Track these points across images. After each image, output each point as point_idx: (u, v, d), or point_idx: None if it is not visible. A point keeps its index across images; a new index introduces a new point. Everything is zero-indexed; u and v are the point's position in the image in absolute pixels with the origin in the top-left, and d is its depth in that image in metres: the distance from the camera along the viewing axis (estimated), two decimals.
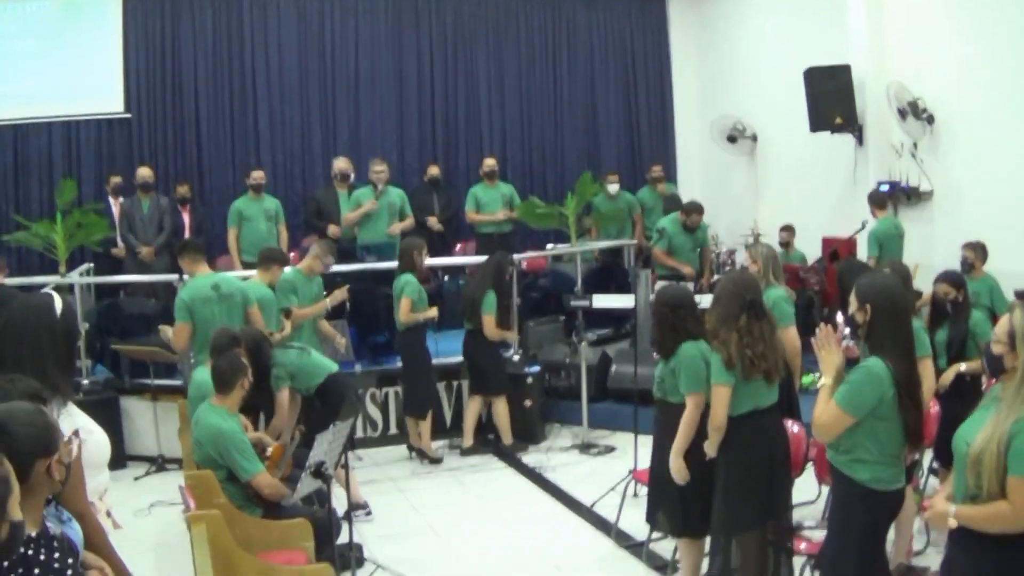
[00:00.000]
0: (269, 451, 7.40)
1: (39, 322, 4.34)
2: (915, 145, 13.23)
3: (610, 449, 11.09)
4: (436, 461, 10.93)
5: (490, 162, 14.94)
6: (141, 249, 13.48)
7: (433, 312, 10.98)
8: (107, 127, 15.56)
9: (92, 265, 13.69)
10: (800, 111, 14.15)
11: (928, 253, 12.49)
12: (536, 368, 11.90)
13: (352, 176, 14.11)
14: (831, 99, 13.62)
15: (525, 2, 17.20)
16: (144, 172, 14.05)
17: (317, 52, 16.30)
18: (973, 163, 12.47)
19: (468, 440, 11.22)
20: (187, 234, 13.87)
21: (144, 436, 11.28)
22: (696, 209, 13.65)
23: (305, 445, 7.39)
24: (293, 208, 15.69)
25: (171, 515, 9.13)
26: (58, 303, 4.33)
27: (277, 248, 11.61)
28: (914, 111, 12.98)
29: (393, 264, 11.40)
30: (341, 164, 14.11)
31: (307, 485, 6.67)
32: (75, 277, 12.67)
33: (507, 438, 11.21)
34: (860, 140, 13.84)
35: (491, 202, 14.73)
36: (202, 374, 8.03)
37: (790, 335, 8.00)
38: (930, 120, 12.98)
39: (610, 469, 10.04)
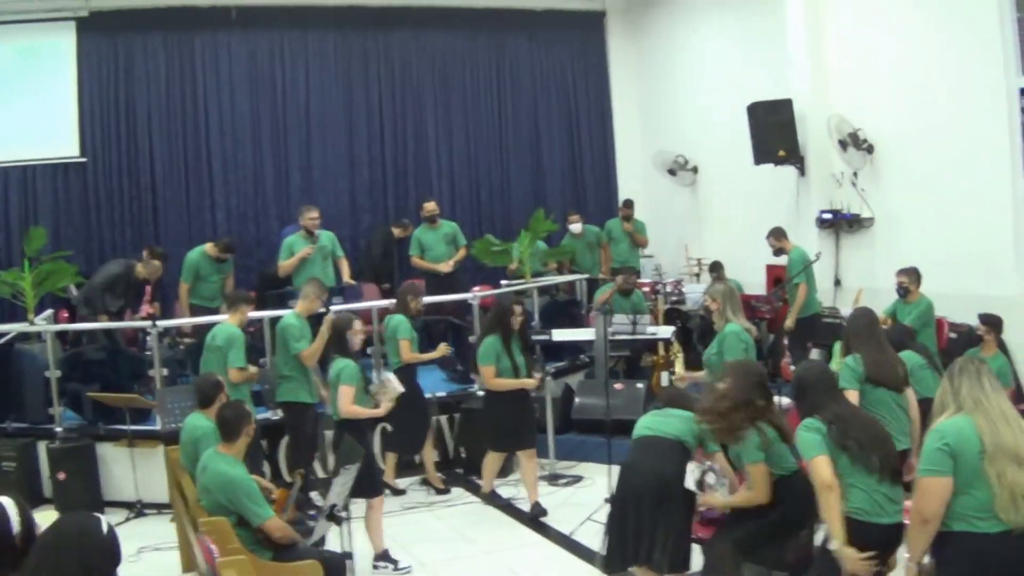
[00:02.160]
0: (274, 495, 7.62)
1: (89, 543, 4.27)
2: (855, 174, 13.51)
3: (578, 479, 11.19)
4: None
5: (429, 206, 15.05)
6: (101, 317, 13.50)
7: (442, 350, 11.27)
8: (63, 172, 15.58)
9: (52, 311, 13.70)
10: (742, 143, 14.41)
11: (870, 278, 12.78)
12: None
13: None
14: (774, 132, 13.85)
15: (470, 43, 17.41)
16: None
17: (268, 95, 16.44)
18: (911, 191, 12.75)
19: (488, 486, 10.63)
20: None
21: (120, 482, 11.17)
22: (631, 271, 14.21)
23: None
24: (247, 250, 15.89)
25: (162, 560, 9.09)
26: (104, 524, 4.29)
27: (243, 291, 11.73)
28: (854, 142, 13.26)
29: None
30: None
31: (322, 527, 6.91)
32: (43, 325, 12.62)
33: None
34: (802, 171, 14.09)
35: (435, 244, 14.85)
36: (195, 419, 8.17)
37: None
38: (870, 150, 13.26)
39: (580, 499, 10.29)
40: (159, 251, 13.54)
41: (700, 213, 16.87)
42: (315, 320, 10.59)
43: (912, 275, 10.94)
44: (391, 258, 15.58)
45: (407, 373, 10.77)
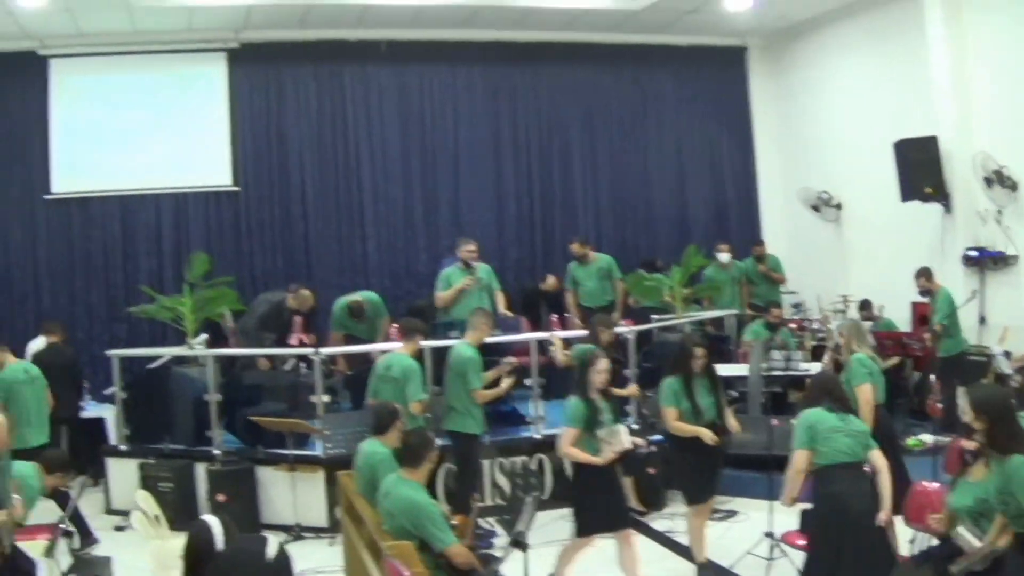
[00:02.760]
0: (454, 522, 7.58)
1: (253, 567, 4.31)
2: (999, 212, 13.35)
3: (732, 513, 10.95)
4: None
5: (574, 247, 14.88)
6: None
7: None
8: (215, 200, 15.74)
9: (207, 336, 13.80)
10: (886, 180, 14.28)
11: (1015, 316, 12.52)
12: (660, 437, 11.96)
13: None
14: (920, 169, 13.71)
15: (615, 78, 17.35)
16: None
17: (418, 128, 16.51)
18: None
19: (701, 554, 9.34)
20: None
21: (278, 505, 11.21)
22: (778, 306, 14.27)
23: None
24: (396, 280, 16.12)
25: None
26: (271, 547, 4.32)
27: (418, 320, 11.65)
28: (999, 179, 13.14)
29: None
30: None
31: (505, 554, 6.88)
32: (203, 349, 12.67)
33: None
34: (947, 208, 13.91)
35: (586, 279, 14.69)
36: (372, 446, 8.19)
37: (861, 391, 8.80)
38: (1014, 187, 13.13)
39: (737, 533, 10.11)
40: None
41: (843, 250, 16.59)
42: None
43: None
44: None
45: None
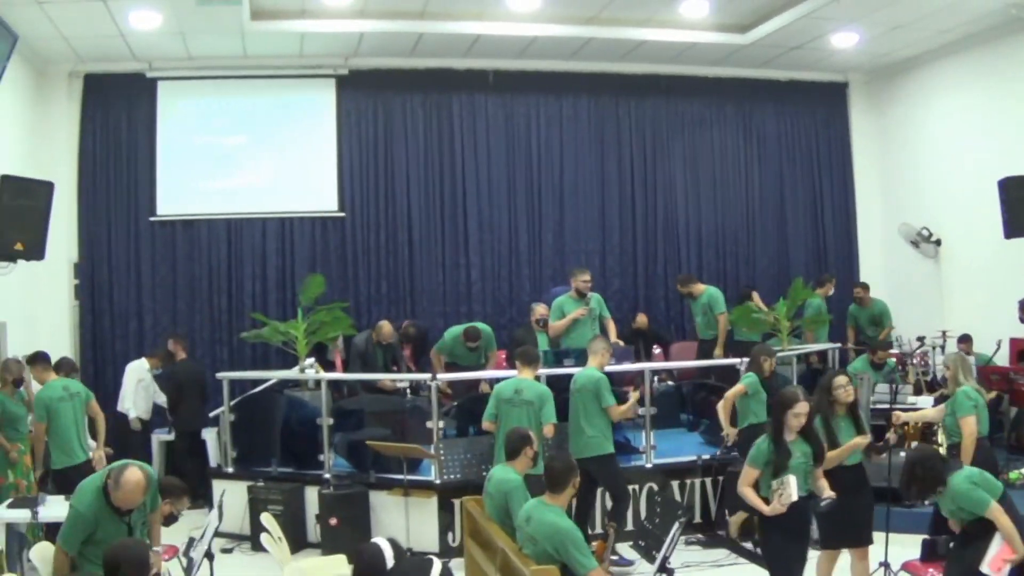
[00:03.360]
0: (592, 546, 7.49)
1: None
2: None
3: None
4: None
5: (679, 288, 14.95)
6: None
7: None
8: (320, 225, 15.69)
9: (314, 359, 13.71)
10: (987, 217, 14.17)
11: None
12: None
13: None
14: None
15: (718, 111, 17.29)
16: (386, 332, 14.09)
17: (524, 158, 16.47)
18: None
19: None
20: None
21: (390, 530, 11.00)
22: (887, 345, 14.09)
23: None
24: (499, 309, 16.11)
25: None
26: (435, 570, 4.41)
27: (535, 349, 11.58)
28: None
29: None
30: (541, 310, 13.97)
31: None
32: (314, 373, 12.78)
33: None
34: None
35: (696, 312, 14.65)
36: (502, 472, 8.26)
37: (966, 423, 8.82)
38: None
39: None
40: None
41: (941, 285, 16.44)
42: None
43: None
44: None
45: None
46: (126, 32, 13.67)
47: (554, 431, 10.13)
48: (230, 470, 12.32)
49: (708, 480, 11.78)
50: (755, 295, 15.67)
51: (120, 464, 6.92)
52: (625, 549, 10.20)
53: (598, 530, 10.85)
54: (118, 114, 15.25)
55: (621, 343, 13.78)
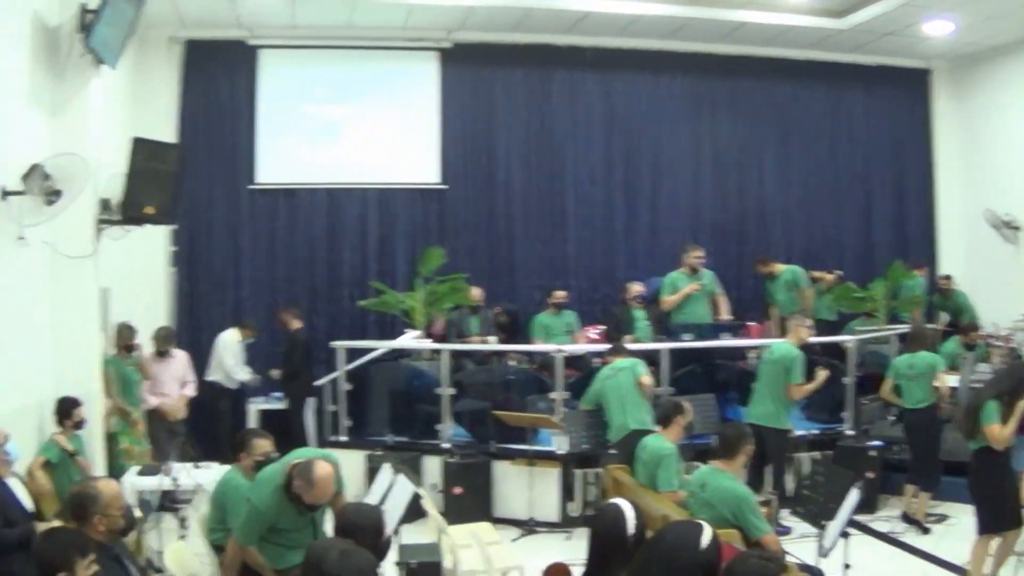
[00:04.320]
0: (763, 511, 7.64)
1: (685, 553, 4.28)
2: None
3: (944, 517, 11.14)
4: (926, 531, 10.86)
5: (758, 268, 15.31)
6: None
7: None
8: (420, 197, 15.65)
9: (420, 331, 13.77)
10: None
11: None
12: (879, 443, 12.07)
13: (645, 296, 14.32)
14: None
15: (809, 93, 17.35)
16: (475, 293, 14.39)
17: (621, 134, 16.44)
18: None
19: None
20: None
21: (512, 500, 11.43)
22: (975, 327, 14.34)
23: None
24: (593, 284, 16.14)
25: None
26: (706, 535, 4.31)
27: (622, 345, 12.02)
28: None
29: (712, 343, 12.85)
30: (637, 288, 14.27)
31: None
32: (431, 343, 13.07)
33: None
34: None
35: (777, 291, 14.81)
36: (656, 440, 8.55)
37: None
38: None
39: (956, 533, 10.41)
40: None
41: (1020, 271, 16.59)
42: None
43: None
44: None
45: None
46: None
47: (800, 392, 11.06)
48: (343, 439, 12.39)
49: (817, 454, 12.09)
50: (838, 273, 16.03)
51: (300, 460, 6.72)
52: (785, 516, 10.27)
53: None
54: (218, 81, 15.09)
55: (730, 318, 14.10)
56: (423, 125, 15.71)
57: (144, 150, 10.34)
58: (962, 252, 17.46)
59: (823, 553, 7.42)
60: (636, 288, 14.24)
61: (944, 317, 16.34)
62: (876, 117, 17.74)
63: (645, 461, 8.49)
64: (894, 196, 17.82)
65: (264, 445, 7.54)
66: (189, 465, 9.62)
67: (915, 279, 15.80)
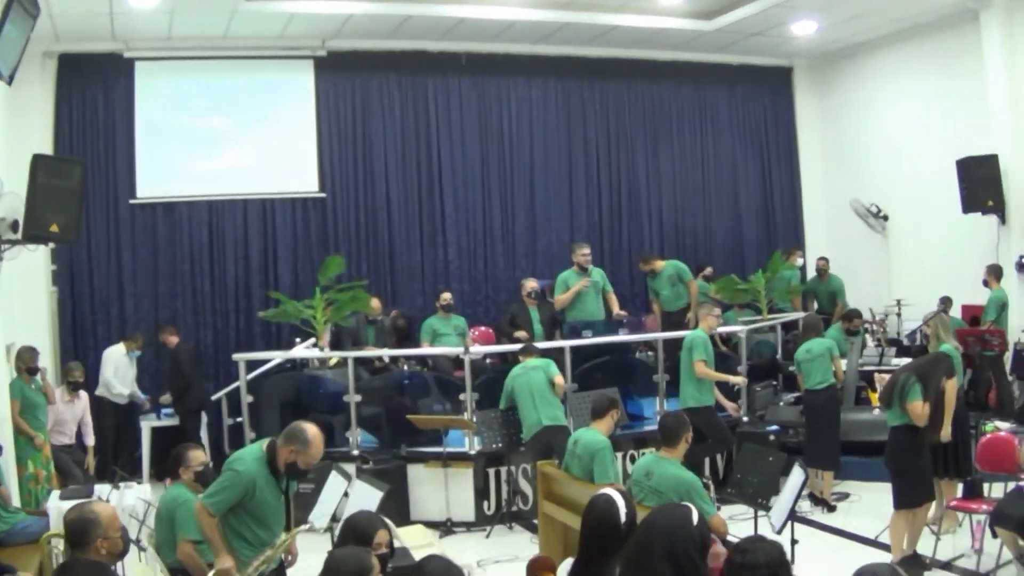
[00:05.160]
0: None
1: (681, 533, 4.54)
2: None
3: (845, 495, 11.75)
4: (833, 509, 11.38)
5: (641, 266, 15.64)
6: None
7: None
8: (302, 206, 15.75)
9: (314, 340, 13.82)
10: (938, 193, 15.63)
11: None
12: (776, 427, 12.60)
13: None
14: (982, 184, 14.69)
15: (676, 94, 18.01)
16: (376, 305, 14.50)
17: (496, 138, 16.83)
18: None
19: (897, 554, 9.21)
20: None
21: (428, 502, 11.65)
22: (858, 314, 14.69)
23: None
24: (475, 286, 16.48)
25: (511, 570, 9.58)
26: (695, 514, 4.58)
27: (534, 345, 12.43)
28: None
29: (607, 338, 13.27)
30: (532, 284, 14.50)
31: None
32: (329, 352, 13.26)
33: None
34: (1003, 219, 14.89)
35: (662, 287, 15.19)
36: (588, 434, 8.70)
37: (950, 382, 9.31)
38: None
39: (861, 509, 11.13)
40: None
41: (889, 259, 17.54)
42: None
43: None
44: None
45: None
46: (117, 11, 13.45)
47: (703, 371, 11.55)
48: None
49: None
50: (708, 270, 16.69)
51: (278, 435, 6.83)
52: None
53: None
54: (94, 95, 14.97)
55: (624, 314, 14.50)
56: (301, 134, 15.81)
57: (45, 167, 10.33)
58: (826, 243, 18.25)
59: (776, 531, 7.69)
60: (531, 284, 14.48)
61: (815, 304, 16.97)
62: (742, 114, 18.51)
63: (579, 455, 8.61)
64: (761, 191, 18.62)
65: (200, 455, 7.74)
66: (108, 486, 9.71)
67: (792, 269, 16.52)
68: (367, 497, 8.03)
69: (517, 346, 12.72)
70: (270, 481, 6.67)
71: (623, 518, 5.11)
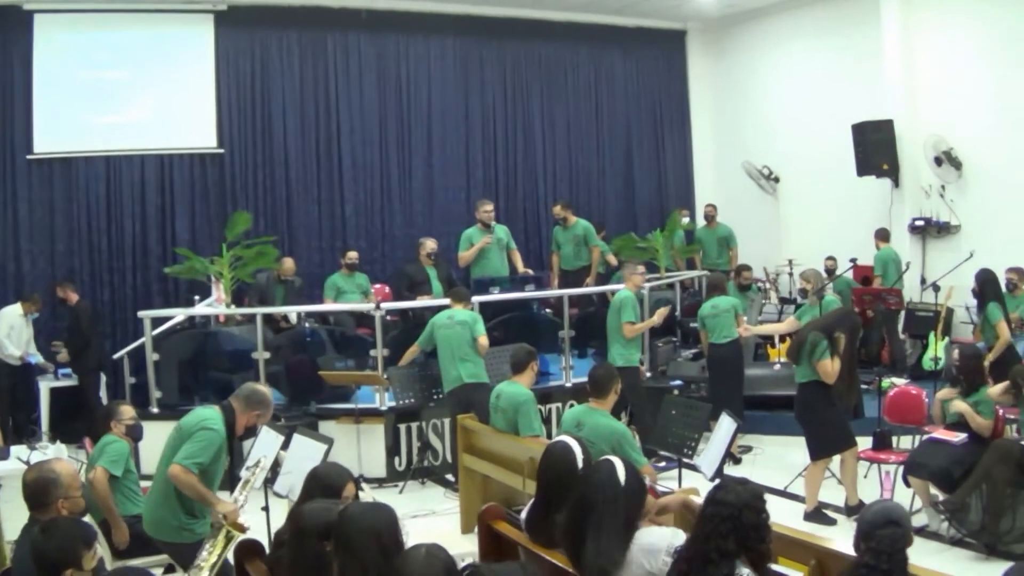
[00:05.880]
0: None
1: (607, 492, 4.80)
2: (943, 187, 15.26)
3: (748, 448, 12.23)
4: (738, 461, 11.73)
5: (557, 210, 15.75)
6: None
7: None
8: (199, 162, 15.71)
9: (213, 298, 13.60)
10: (829, 156, 16.42)
11: (954, 278, 13.78)
12: (679, 382, 13.11)
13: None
14: (876, 148, 15.44)
15: (572, 54, 18.36)
16: (288, 265, 14.77)
17: (394, 95, 16.96)
18: (996, 200, 14.63)
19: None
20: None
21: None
22: (747, 268, 15.53)
23: None
24: (372, 243, 16.67)
25: (430, 524, 9.69)
26: (620, 470, 4.81)
27: (465, 290, 12.46)
28: (948, 159, 14.99)
29: (514, 295, 13.43)
30: (431, 244, 14.62)
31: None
32: (234, 308, 13.31)
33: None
34: (896, 183, 15.67)
35: (566, 242, 15.49)
36: (511, 387, 8.86)
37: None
38: (959, 166, 15.03)
39: (765, 462, 11.68)
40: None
41: (780, 219, 18.22)
42: None
43: (1019, 272, 12.43)
44: None
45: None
46: None
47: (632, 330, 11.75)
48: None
49: None
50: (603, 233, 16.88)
51: (231, 400, 7.02)
52: None
53: None
54: None
55: (529, 272, 14.81)
56: (200, 89, 15.74)
57: None
58: (720, 203, 18.51)
59: (710, 479, 7.95)
60: (431, 244, 14.62)
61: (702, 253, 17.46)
62: (637, 76, 18.95)
63: (502, 408, 8.74)
64: (654, 151, 19.17)
65: (130, 410, 8.02)
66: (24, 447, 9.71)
67: (691, 227, 17.21)
68: (311, 451, 8.00)
69: (424, 302, 13.13)
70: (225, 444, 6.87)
71: (580, 464, 5.33)
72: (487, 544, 6.06)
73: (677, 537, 4.68)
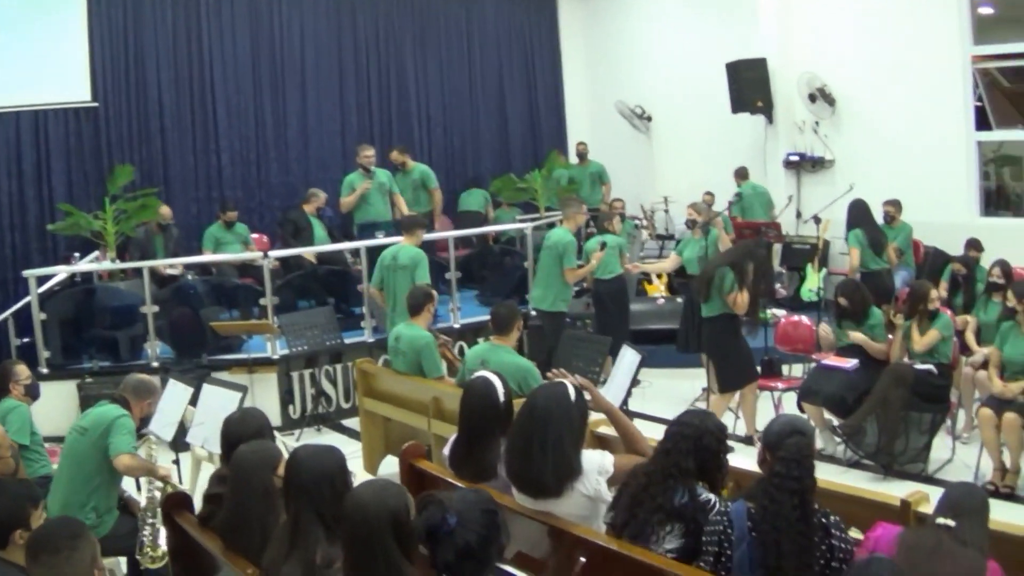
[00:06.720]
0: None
1: (561, 408, 5.15)
2: (816, 123, 16.03)
3: (637, 382, 12.46)
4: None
5: (394, 155, 15.81)
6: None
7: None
8: (74, 116, 15.65)
9: (98, 252, 13.94)
10: (700, 94, 17.18)
11: (832, 210, 14.67)
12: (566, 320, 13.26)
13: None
14: (750, 86, 16.18)
15: (444, 1, 18.77)
16: (165, 212, 14.84)
17: (267, 44, 17.08)
18: (868, 135, 15.46)
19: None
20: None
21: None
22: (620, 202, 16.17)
23: None
24: (249, 192, 17.00)
25: None
26: (571, 391, 5.23)
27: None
28: (822, 95, 15.75)
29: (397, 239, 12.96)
30: (323, 197, 15.18)
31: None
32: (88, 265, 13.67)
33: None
34: (770, 119, 16.45)
35: (405, 188, 15.41)
36: (411, 329, 9.16)
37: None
38: (832, 103, 15.81)
39: (655, 395, 12.11)
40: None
41: (653, 157, 18.88)
42: None
43: (896, 205, 13.29)
44: None
45: None
46: None
47: None
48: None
49: None
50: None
51: (127, 381, 7.34)
52: None
53: None
54: None
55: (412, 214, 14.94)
56: (72, 42, 15.62)
57: None
58: (593, 142, 19.07)
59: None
60: (323, 196, 15.07)
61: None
62: (508, 17, 19.48)
63: (403, 351, 8.99)
64: (526, 93, 19.75)
65: (26, 370, 8.16)
66: None
67: (570, 167, 17.74)
68: (225, 401, 8.28)
69: (309, 249, 13.67)
70: None
71: (501, 398, 5.63)
72: (410, 482, 6.07)
73: (606, 459, 5.18)
